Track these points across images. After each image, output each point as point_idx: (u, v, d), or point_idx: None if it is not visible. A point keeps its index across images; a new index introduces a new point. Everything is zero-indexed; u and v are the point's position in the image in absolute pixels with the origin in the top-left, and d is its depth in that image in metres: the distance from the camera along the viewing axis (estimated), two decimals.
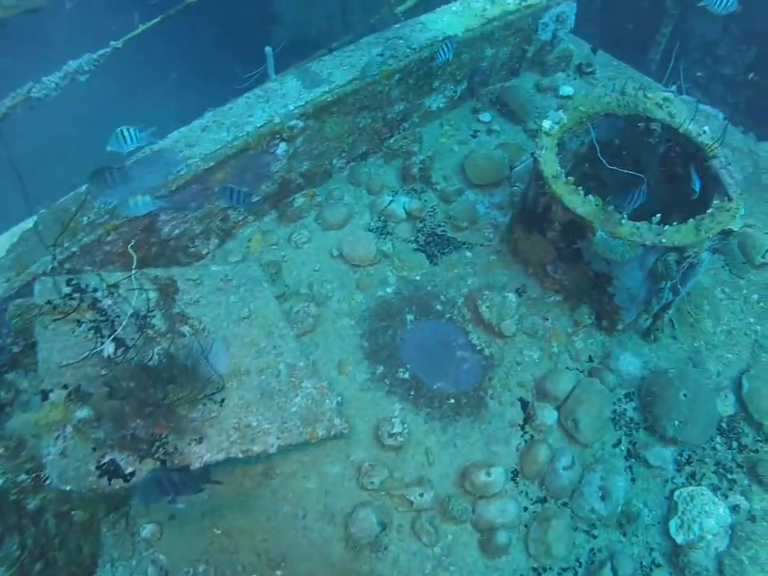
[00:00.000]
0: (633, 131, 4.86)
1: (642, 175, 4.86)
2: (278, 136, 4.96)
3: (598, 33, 8.30)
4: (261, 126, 4.94)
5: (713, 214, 4.09)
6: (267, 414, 4.02)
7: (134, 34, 5.62)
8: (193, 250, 5.14)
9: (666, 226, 4.02)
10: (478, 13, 6.05)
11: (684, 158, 4.73)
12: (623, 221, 4.05)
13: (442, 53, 5.19)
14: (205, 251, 5.22)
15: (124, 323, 4.09)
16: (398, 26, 5.91)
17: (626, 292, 4.44)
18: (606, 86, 6.54)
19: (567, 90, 6.38)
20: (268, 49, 5.39)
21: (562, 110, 4.65)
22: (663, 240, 3.97)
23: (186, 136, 4.93)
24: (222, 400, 3.99)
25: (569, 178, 4.24)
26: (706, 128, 4.57)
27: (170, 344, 4.24)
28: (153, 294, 4.47)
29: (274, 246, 5.24)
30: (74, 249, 4.37)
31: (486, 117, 6.11)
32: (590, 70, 6.54)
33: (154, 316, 4.37)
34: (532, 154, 4.60)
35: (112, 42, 5.30)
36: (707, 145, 4.45)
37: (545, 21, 6.24)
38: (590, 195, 4.19)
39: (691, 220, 4.07)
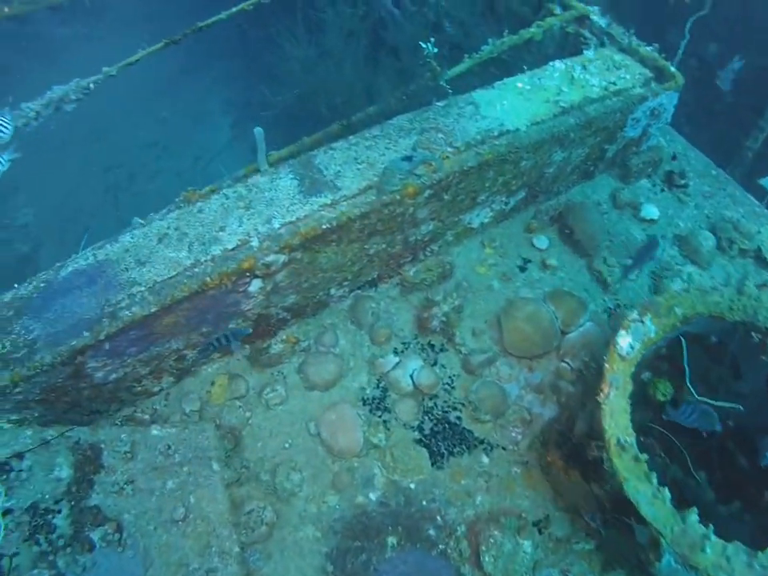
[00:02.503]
0: (740, 335, 3.51)
1: (738, 405, 3.54)
2: (248, 274, 3.63)
3: (691, 100, 6.69)
4: (232, 249, 3.62)
5: None
6: None
7: (132, 60, 4.55)
8: (140, 389, 3.94)
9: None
10: (551, 97, 4.51)
11: None
12: (708, 542, 2.70)
13: None
14: (156, 389, 4.02)
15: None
16: (441, 104, 4.41)
17: None
18: (699, 206, 5.04)
19: (651, 211, 4.82)
20: (258, 130, 4.02)
21: (649, 315, 3.25)
22: None
23: (138, 246, 3.64)
24: None
25: (642, 455, 2.87)
26: None
27: (68, 564, 3.15)
28: (65, 473, 3.36)
29: (239, 401, 4.00)
30: None
31: (542, 242, 4.61)
32: (682, 182, 5.01)
33: (58, 512, 3.26)
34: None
35: (105, 68, 4.34)
36: None
37: (636, 116, 4.71)
38: (666, 488, 2.83)
39: None
